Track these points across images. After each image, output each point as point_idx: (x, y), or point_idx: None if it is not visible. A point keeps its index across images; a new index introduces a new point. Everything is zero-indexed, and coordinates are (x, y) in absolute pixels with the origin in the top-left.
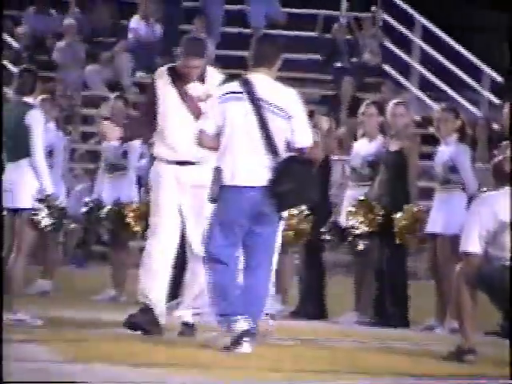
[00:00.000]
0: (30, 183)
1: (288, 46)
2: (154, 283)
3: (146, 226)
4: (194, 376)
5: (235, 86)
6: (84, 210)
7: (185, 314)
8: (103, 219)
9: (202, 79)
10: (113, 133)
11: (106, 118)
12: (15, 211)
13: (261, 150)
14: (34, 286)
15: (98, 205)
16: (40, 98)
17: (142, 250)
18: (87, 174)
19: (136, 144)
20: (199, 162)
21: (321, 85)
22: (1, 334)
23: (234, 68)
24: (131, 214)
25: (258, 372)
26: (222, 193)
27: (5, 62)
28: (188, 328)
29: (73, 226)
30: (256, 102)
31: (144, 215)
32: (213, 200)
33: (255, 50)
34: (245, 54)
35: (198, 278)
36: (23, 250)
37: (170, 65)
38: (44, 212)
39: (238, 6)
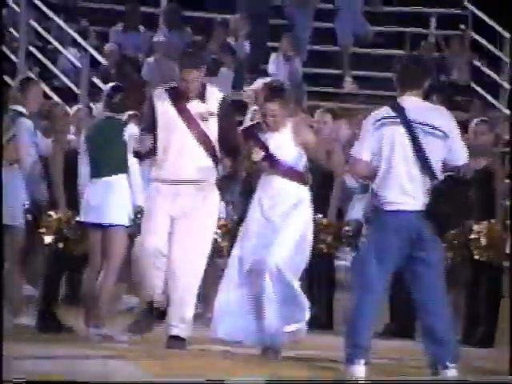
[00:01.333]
0: (126, 199)
1: (376, 64)
2: (152, 280)
3: (233, 243)
4: None
5: (387, 110)
6: None
7: (171, 328)
8: None
9: (202, 98)
10: None
11: None
12: (101, 227)
13: (417, 172)
14: (121, 302)
15: None
16: (128, 113)
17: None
18: None
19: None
20: (198, 183)
21: None
22: (1, 336)
23: (321, 86)
24: (218, 230)
25: None
26: (377, 218)
27: (94, 80)
28: (177, 341)
29: None
30: (410, 125)
31: (231, 231)
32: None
33: (402, 74)
34: (332, 71)
35: (180, 291)
36: (115, 267)
37: (167, 85)
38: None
39: (326, 24)
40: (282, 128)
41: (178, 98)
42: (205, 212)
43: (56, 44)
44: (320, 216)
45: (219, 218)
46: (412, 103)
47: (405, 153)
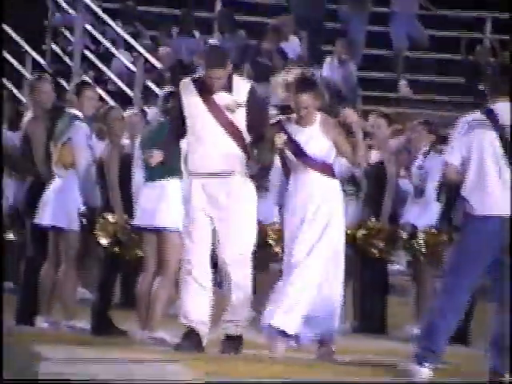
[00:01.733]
0: (180, 203)
1: (430, 68)
2: (194, 304)
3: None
4: None
5: (477, 115)
6: None
7: (227, 326)
8: None
9: (228, 88)
10: None
11: None
12: (156, 230)
13: (508, 177)
14: (174, 305)
15: None
16: None
17: (281, 271)
18: None
19: (277, 165)
20: (229, 175)
21: (463, 108)
22: (1, 336)
23: (376, 91)
24: (272, 235)
25: None
26: (468, 223)
27: (149, 84)
28: (232, 341)
29: None
30: (501, 129)
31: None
32: None
33: (494, 81)
34: (387, 76)
35: (236, 290)
36: (170, 271)
37: (194, 76)
38: None
39: (381, 28)
40: (312, 122)
41: (205, 89)
42: (239, 206)
43: (111, 47)
44: (373, 220)
45: (273, 223)
46: (503, 108)
47: (495, 156)
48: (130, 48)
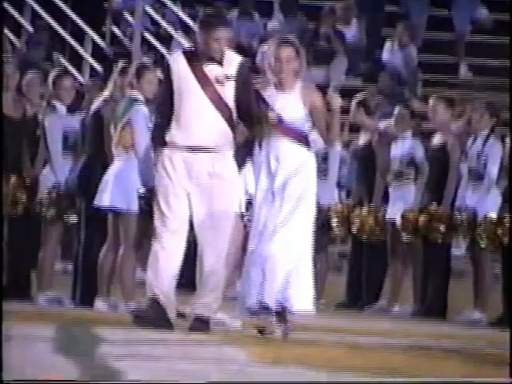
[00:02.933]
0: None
1: (493, 52)
2: (160, 278)
3: (348, 231)
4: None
5: None
6: None
7: (196, 307)
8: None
9: (220, 61)
10: None
11: None
12: None
13: None
14: (233, 288)
15: None
16: None
17: (341, 255)
18: None
19: (337, 148)
20: (214, 149)
21: None
22: (1, 336)
23: (436, 74)
24: (334, 218)
25: None
26: None
27: None
28: (201, 322)
29: None
30: None
31: (345, 220)
32: None
33: None
34: (447, 59)
35: (208, 273)
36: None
37: (184, 48)
38: None
39: (442, 12)
40: (291, 87)
41: (196, 60)
42: (220, 185)
43: (170, 30)
44: (434, 205)
45: (334, 204)
46: None
47: None
48: (189, 30)
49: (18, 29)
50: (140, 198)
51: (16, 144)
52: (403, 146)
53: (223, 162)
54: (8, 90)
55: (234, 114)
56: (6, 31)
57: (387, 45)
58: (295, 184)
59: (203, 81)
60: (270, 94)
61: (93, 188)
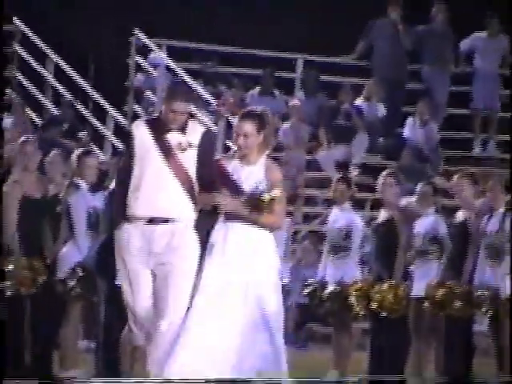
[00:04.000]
0: None
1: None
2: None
3: (368, 307)
4: None
5: None
6: (307, 290)
7: None
8: (326, 299)
9: (183, 130)
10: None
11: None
12: None
13: None
14: None
15: (322, 285)
16: None
17: (365, 331)
18: (310, 255)
19: (359, 225)
20: (174, 220)
21: None
22: (1, 336)
23: (456, 150)
24: (354, 294)
25: None
26: None
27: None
28: None
29: (297, 305)
30: None
31: (367, 297)
32: None
33: None
34: (468, 135)
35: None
36: None
37: (147, 117)
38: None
39: (462, 88)
40: (254, 161)
41: (158, 128)
42: (181, 259)
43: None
44: (452, 280)
45: (355, 282)
46: None
47: None
48: (210, 107)
49: (39, 107)
50: None
51: (37, 223)
52: (426, 223)
53: (183, 234)
54: (28, 170)
55: (195, 184)
56: (28, 110)
57: (409, 121)
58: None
59: (165, 148)
60: (233, 166)
61: (112, 266)
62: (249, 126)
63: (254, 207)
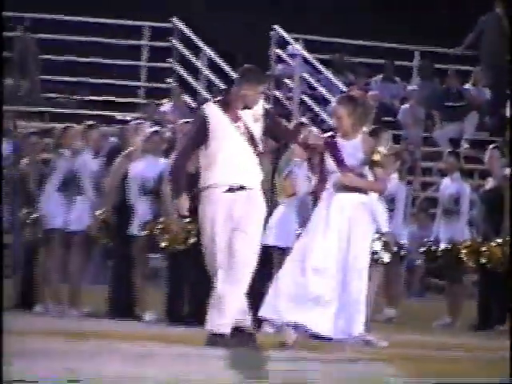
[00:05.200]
0: None
1: None
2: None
3: (477, 262)
4: None
5: None
6: (423, 248)
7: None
8: (440, 256)
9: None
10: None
11: (441, 170)
12: None
13: None
14: (382, 313)
15: (436, 244)
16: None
17: (474, 283)
18: (426, 218)
19: (468, 192)
20: (252, 188)
21: None
22: (1, 336)
23: None
24: (464, 251)
25: None
26: None
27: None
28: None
29: (417, 262)
30: None
31: (475, 253)
32: None
33: None
34: None
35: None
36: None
37: (216, 99)
38: (383, 248)
39: None
40: (354, 136)
41: (229, 107)
42: (256, 222)
43: (326, 94)
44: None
45: (464, 241)
46: None
47: None
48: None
49: (194, 93)
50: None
51: None
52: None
53: (256, 198)
54: None
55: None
56: (185, 96)
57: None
58: (350, 225)
59: (239, 125)
60: (338, 140)
61: None
62: (341, 110)
63: (361, 176)
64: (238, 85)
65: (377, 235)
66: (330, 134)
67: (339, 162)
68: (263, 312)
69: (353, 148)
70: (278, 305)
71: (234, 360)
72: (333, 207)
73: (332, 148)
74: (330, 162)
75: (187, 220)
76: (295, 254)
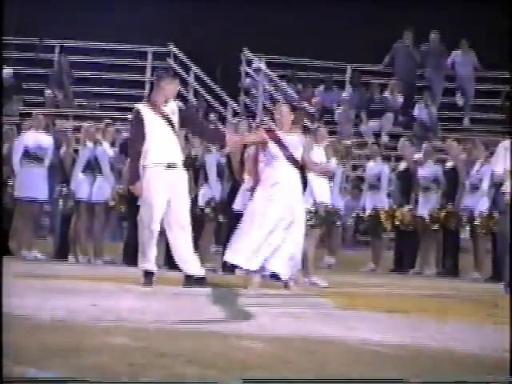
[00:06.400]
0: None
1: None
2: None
3: (393, 224)
4: None
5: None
6: (354, 214)
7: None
8: (366, 219)
9: (166, 104)
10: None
11: (367, 155)
12: None
13: None
14: (323, 261)
15: (363, 210)
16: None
17: (391, 239)
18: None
19: (387, 172)
20: (177, 165)
21: (504, 135)
22: (1, 336)
23: (448, 123)
24: (383, 215)
25: None
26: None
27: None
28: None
29: (348, 223)
30: None
31: (391, 217)
32: None
33: None
34: (456, 114)
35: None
36: (314, 242)
37: (142, 103)
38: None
39: (451, 85)
40: (291, 131)
41: (154, 106)
42: (182, 192)
43: (281, 99)
44: (449, 206)
45: (383, 208)
46: None
47: None
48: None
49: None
50: None
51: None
52: (429, 169)
53: (183, 174)
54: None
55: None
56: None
57: (417, 105)
58: (291, 195)
59: (164, 116)
60: (278, 133)
61: (230, 200)
62: (284, 108)
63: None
64: (158, 83)
65: (313, 204)
66: (267, 127)
67: (284, 148)
68: (230, 259)
69: (291, 140)
70: (244, 253)
71: (215, 297)
72: (279, 180)
73: (276, 138)
74: (274, 150)
75: None
76: (250, 216)
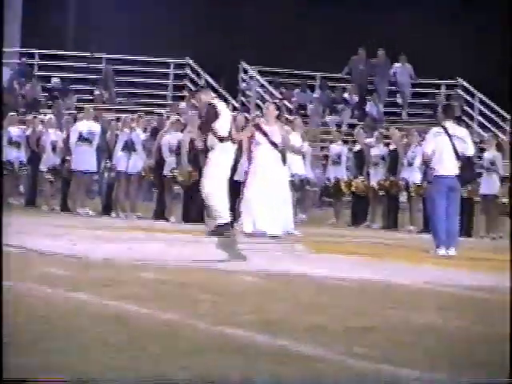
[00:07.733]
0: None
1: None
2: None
3: (350, 190)
4: None
5: (437, 128)
6: (324, 184)
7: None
8: (330, 187)
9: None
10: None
11: (331, 140)
12: None
13: (453, 157)
14: (297, 217)
15: (328, 180)
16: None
17: (348, 201)
18: (324, 166)
19: (346, 152)
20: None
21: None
22: (1, 336)
23: (391, 116)
24: (343, 184)
25: None
26: (433, 180)
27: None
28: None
29: (317, 189)
30: (449, 136)
31: (349, 185)
32: None
33: (446, 109)
34: (397, 109)
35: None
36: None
37: (217, 101)
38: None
39: (393, 88)
40: (274, 124)
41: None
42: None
43: (269, 99)
44: (392, 178)
45: (343, 179)
46: (450, 125)
47: (448, 149)
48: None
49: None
50: None
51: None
52: (378, 150)
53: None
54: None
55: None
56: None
57: (369, 103)
58: (276, 169)
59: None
60: (263, 126)
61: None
62: (271, 106)
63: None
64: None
65: (291, 175)
66: (255, 123)
67: (266, 136)
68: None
69: (273, 131)
70: (248, 215)
71: (222, 244)
72: (266, 159)
73: (260, 129)
74: (259, 138)
75: (190, 169)
76: (251, 185)
